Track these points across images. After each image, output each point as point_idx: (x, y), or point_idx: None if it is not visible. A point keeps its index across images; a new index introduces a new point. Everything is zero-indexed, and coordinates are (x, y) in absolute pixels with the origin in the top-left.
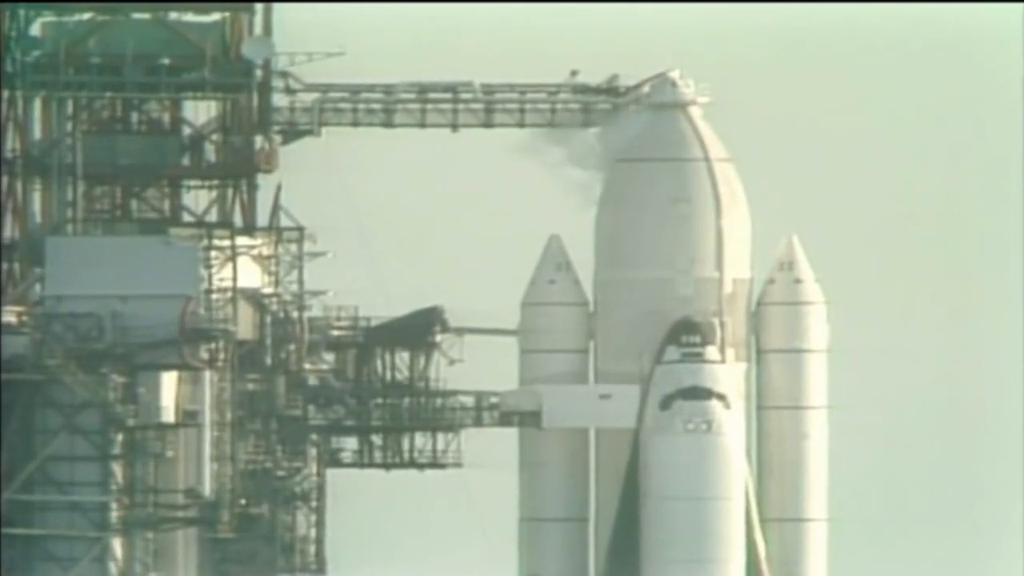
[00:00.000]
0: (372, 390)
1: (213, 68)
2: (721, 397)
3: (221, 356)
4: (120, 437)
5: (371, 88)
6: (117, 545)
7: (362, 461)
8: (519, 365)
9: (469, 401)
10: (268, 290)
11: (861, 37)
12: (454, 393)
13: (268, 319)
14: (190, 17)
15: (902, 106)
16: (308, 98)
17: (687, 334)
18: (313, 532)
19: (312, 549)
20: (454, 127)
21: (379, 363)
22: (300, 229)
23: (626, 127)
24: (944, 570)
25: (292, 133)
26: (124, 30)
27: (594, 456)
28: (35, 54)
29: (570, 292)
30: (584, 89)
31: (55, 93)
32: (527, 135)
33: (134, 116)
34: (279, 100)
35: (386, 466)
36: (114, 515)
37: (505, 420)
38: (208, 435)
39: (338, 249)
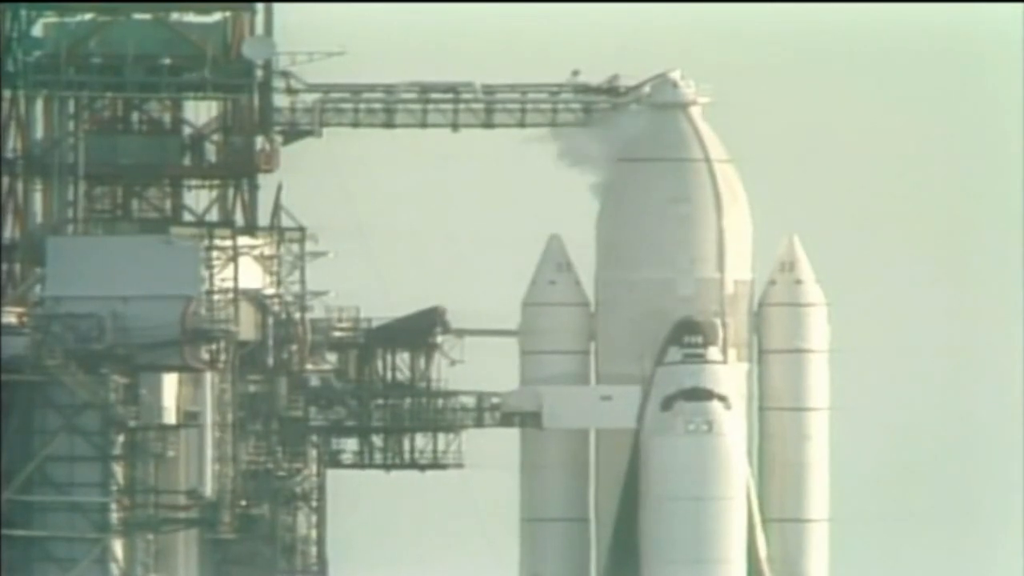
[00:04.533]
0: (373, 391)
1: (214, 68)
2: (722, 398)
3: (222, 357)
4: (121, 438)
5: (372, 88)
6: (118, 546)
7: (363, 462)
8: (520, 366)
9: (470, 402)
10: (270, 291)
11: (861, 37)
12: (455, 394)
13: (270, 320)
14: (191, 17)
15: (902, 106)
16: (309, 98)
17: (688, 335)
18: (314, 533)
19: (313, 550)
20: (455, 127)
21: (380, 364)
22: (301, 229)
23: (626, 127)
24: (944, 570)
25: (293, 133)
26: (125, 30)
27: (595, 457)
28: (37, 54)
29: (571, 292)
30: (585, 89)
31: (56, 93)
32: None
33: (135, 116)
34: (280, 100)
35: (387, 467)
36: (115, 516)
37: (506, 421)
38: (209, 436)
39: (339, 249)
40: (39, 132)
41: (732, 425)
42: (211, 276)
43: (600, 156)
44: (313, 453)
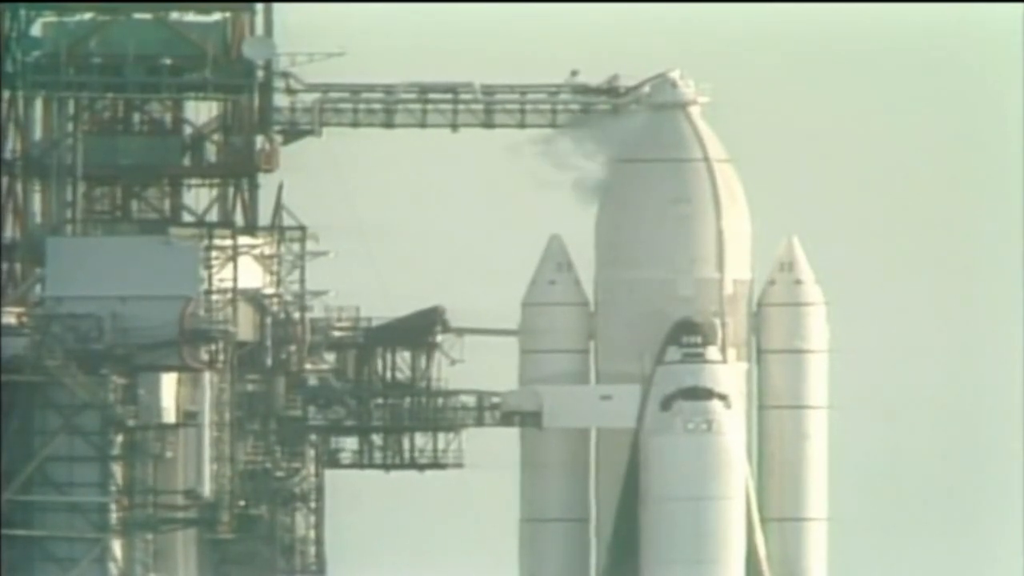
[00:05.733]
0: (373, 390)
1: (214, 68)
2: (722, 397)
3: (221, 357)
4: (120, 438)
5: (371, 88)
6: (117, 546)
7: (362, 462)
8: (520, 365)
9: (470, 401)
10: (269, 290)
11: (861, 37)
12: (455, 393)
13: (269, 320)
14: (191, 17)
15: (902, 106)
16: (309, 98)
17: (688, 334)
18: (313, 533)
19: (312, 550)
20: (454, 127)
21: (380, 363)
22: (302, 228)
23: (626, 127)
24: (944, 570)
25: (293, 133)
26: (125, 30)
27: (594, 456)
28: (36, 54)
29: (571, 292)
30: (584, 89)
31: (56, 93)
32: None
33: (135, 116)
34: (280, 100)
35: (386, 467)
36: (114, 516)
37: (506, 420)
38: (208, 436)
39: (339, 249)
40: (38, 133)
41: (732, 424)
42: (210, 276)
43: (599, 156)
44: (312, 453)
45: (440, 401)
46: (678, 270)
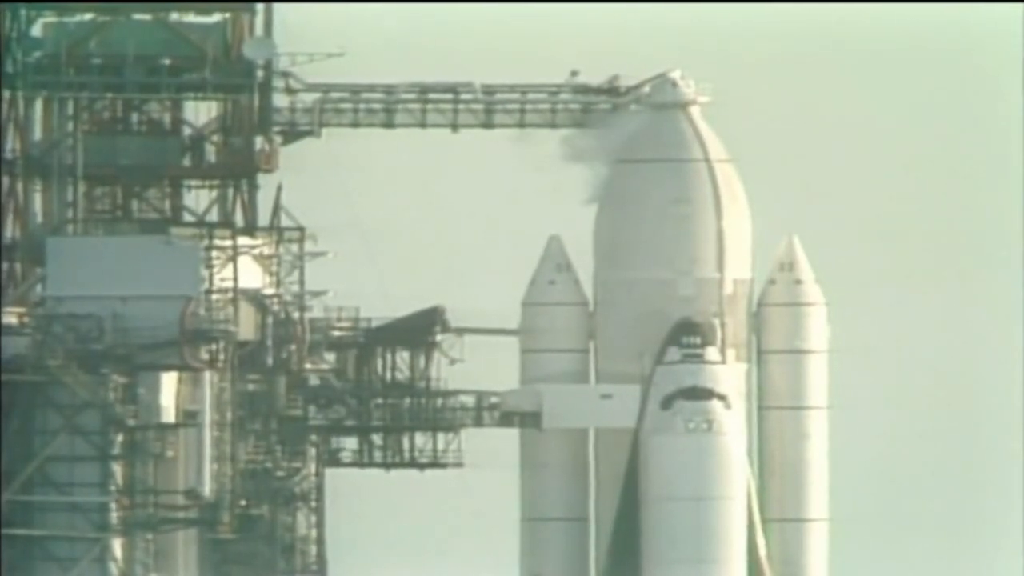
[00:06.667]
0: (373, 390)
1: (214, 69)
2: (722, 397)
3: (221, 357)
4: (120, 437)
5: (371, 88)
6: (117, 546)
7: (362, 461)
8: (519, 365)
9: (470, 401)
10: (269, 290)
11: (861, 37)
12: (455, 393)
13: (269, 320)
14: (191, 18)
15: (902, 106)
16: (309, 98)
17: (688, 334)
18: (313, 532)
19: (312, 550)
20: (454, 127)
21: (380, 363)
22: (301, 229)
23: (626, 127)
24: (944, 570)
25: (293, 133)
26: (125, 31)
27: (594, 456)
28: (36, 55)
29: (570, 292)
30: (584, 89)
31: (56, 94)
32: (530, 133)
33: (135, 117)
34: (280, 100)
35: (386, 466)
36: (114, 516)
37: (505, 420)
38: (208, 435)
39: (338, 249)
40: (38, 133)
41: (732, 424)
42: (211, 276)
43: (598, 156)
44: (312, 452)
45: (440, 401)
46: (678, 270)
